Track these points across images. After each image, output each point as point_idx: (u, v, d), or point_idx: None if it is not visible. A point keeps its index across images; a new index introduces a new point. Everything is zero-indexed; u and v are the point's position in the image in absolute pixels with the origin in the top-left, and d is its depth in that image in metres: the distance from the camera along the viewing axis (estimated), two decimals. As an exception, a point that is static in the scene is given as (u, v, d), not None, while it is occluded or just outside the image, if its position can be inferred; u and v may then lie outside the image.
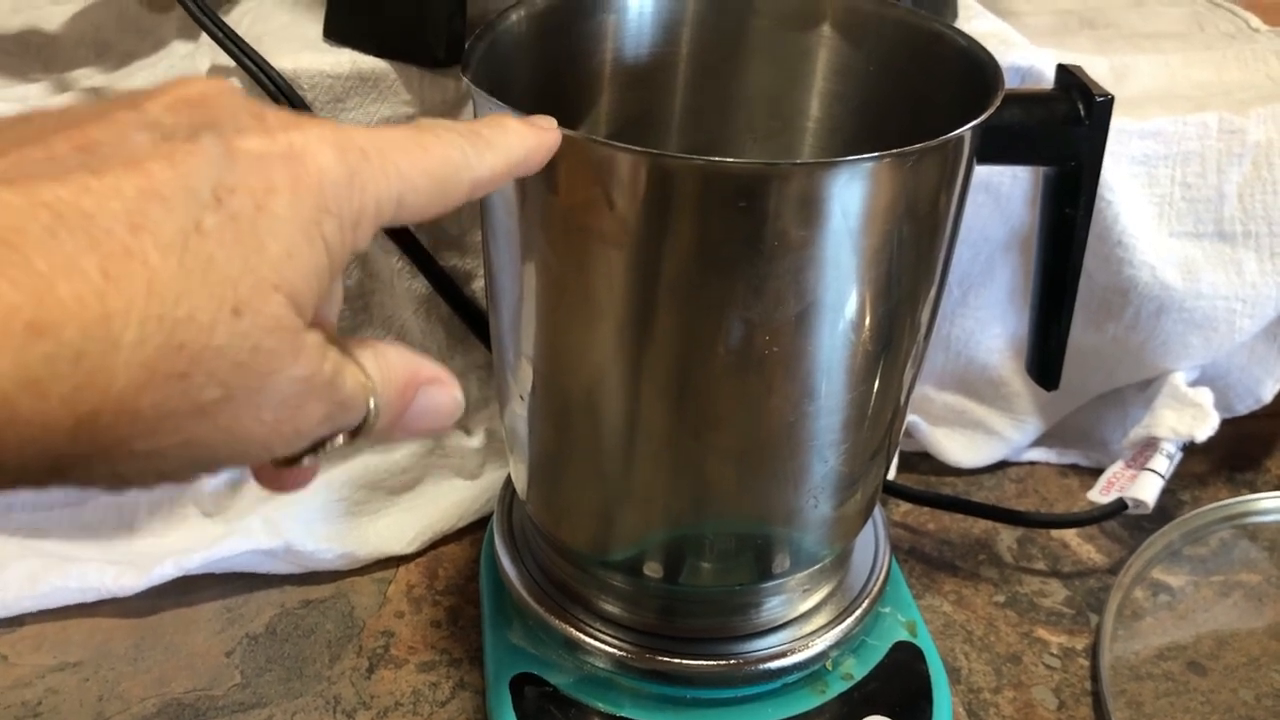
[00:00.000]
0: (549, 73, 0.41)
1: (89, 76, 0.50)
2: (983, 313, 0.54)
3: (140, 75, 0.49)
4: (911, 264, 0.35)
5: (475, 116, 0.35)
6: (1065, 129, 0.39)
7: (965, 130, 0.33)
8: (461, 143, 0.26)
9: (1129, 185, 0.51)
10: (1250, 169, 0.51)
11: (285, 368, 0.21)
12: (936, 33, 0.40)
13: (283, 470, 0.25)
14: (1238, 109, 0.51)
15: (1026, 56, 0.48)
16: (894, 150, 0.31)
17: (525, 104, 0.31)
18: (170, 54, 0.49)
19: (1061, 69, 0.40)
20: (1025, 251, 0.53)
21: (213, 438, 0.20)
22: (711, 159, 0.30)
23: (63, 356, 0.18)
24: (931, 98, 0.40)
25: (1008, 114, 0.35)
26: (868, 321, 0.35)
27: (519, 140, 0.28)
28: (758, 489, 0.38)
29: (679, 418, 0.36)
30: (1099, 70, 0.55)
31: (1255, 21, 0.63)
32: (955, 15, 0.50)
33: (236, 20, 0.46)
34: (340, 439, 0.24)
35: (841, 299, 0.34)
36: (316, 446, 0.24)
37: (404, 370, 0.25)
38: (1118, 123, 0.46)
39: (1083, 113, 0.39)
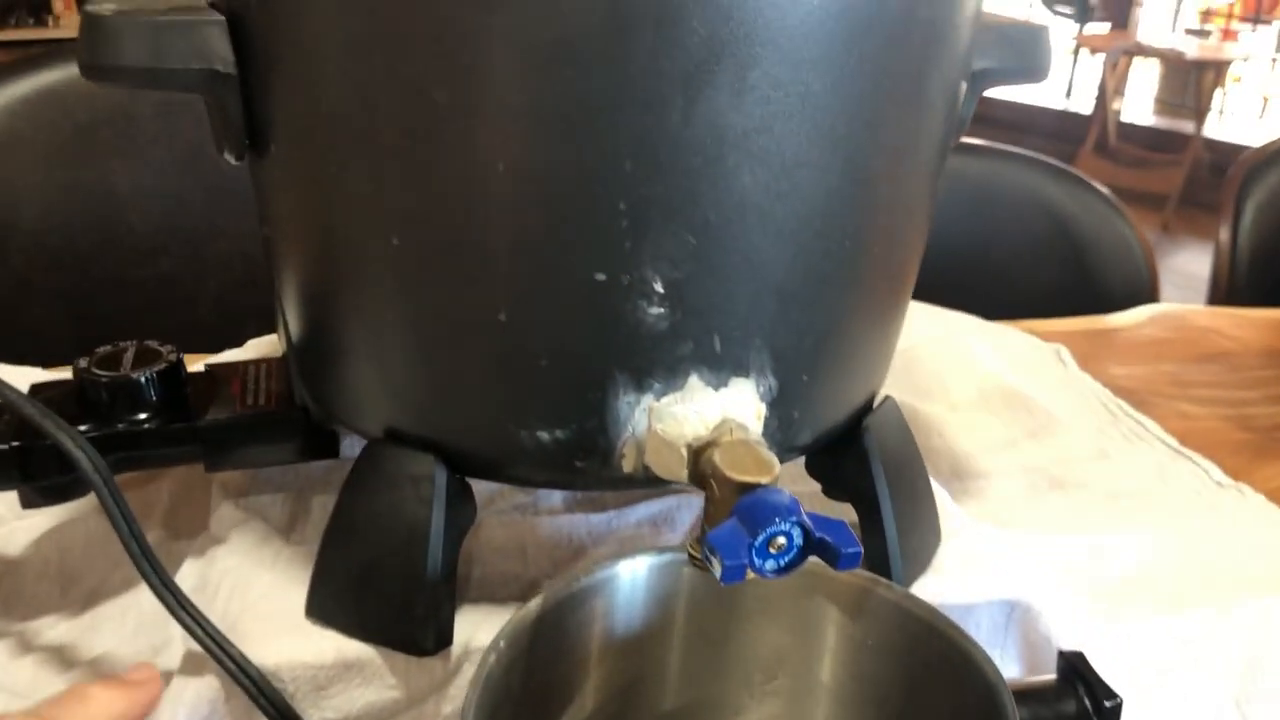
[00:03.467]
0: (539, 666, 0.40)
1: (52, 626, 0.48)
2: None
3: (106, 629, 0.47)
4: None
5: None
6: (1076, 731, 0.38)
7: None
8: None
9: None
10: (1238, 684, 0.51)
11: None
12: (931, 625, 0.39)
13: None
14: (1220, 607, 0.51)
15: (1014, 588, 0.48)
16: None
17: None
18: (138, 604, 0.48)
19: (1063, 659, 0.39)
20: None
21: None
22: None
23: None
24: (928, 681, 0.39)
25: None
26: None
27: (102, 711, 0.29)
28: None
29: None
30: (1078, 553, 0.56)
31: (1217, 473, 0.64)
32: (939, 536, 0.50)
33: (216, 582, 0.45)
34: None
35: None
36: None
37: None
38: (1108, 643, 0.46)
39: (1091, 711, 0.38)
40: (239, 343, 0.67)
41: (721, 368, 0.40)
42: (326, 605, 0.43)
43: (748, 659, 0.44)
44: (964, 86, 0.44)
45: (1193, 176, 4.21)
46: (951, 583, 0.48)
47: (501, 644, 0.37)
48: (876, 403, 0.48)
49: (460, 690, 0.44)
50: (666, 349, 0.39)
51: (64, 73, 0.93)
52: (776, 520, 0.36)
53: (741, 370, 0.40)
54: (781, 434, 0.42)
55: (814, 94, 0.36)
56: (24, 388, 0.45)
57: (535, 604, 0.39)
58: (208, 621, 0.41)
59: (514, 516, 0.50)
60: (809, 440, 0.44)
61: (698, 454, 0.40)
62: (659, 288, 0.38)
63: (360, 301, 0.41)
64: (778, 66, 0.35)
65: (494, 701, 0.36)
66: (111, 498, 0.42)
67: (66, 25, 5.80)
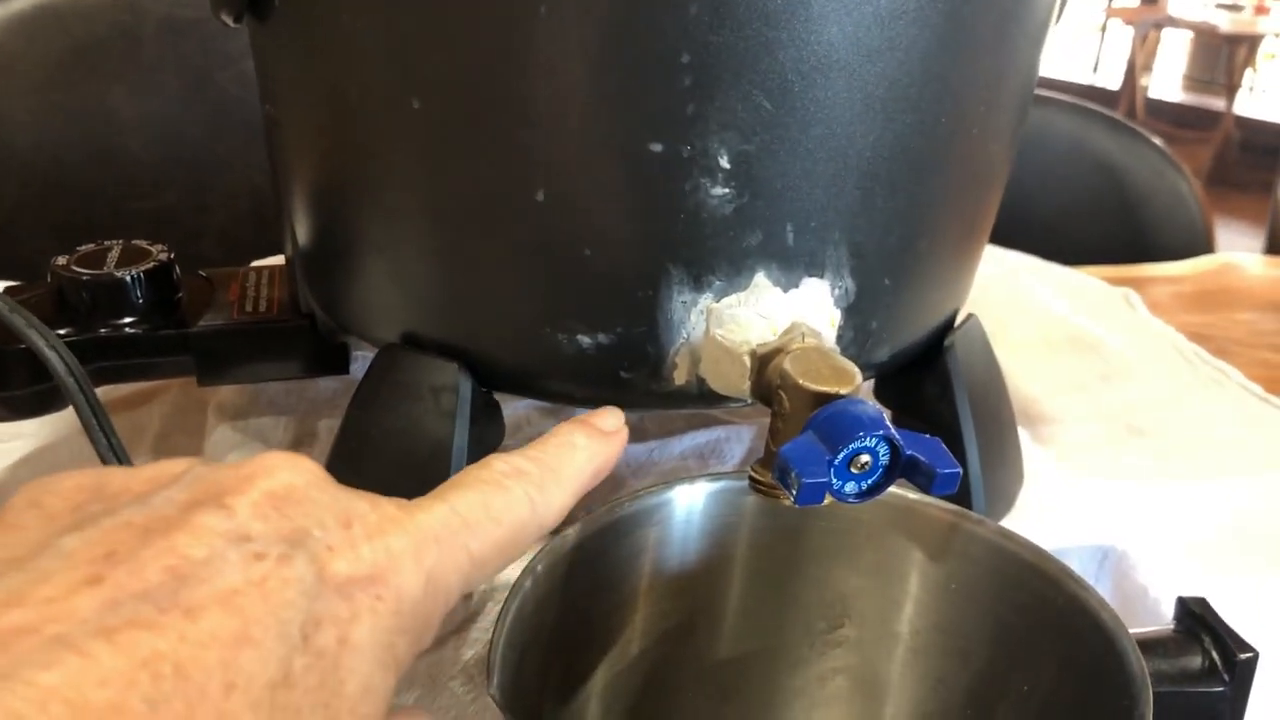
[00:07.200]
0: (577, 602, 0.34)
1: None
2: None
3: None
4: None
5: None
6: (1200, 694, 0.32)
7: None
8: (531, 494, 0.27)
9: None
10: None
11: None
12: (1033, 566, 0.34)
13: None
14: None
15: (1108, 533, 0.43)
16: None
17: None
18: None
19: (1185, 607, 0.34)
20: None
21: None
22: None
23: None
24: (1024, 630, 0.34)
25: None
26: None
27: (588, 462, 0.29)
28: None
29: None
30: (1168, 501, 0.50)
31: (1307, 422, 0.59)
32: (1022, 476, 0.45)
33: None
34: None
35: None
36: None
37: None
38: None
39: (1220, 665, 0.33)
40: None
41: (793, 265, 0.34)
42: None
43: (811, 604, 0.39)
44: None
45: (1222, 154, 4.13)
46: (1038, 525, 0.42)
47: (539, 568, 0.32)
48: (959, 320, 0.42)
49: (482, 634, 0.39)
50: (730, 239, 0.34)
51: (63, -10, 0.87)
52: (861, 435, 0.31)
53: (816, 269, 0.35)
54: (857, 347, 0.37)
55: (917, -73, 0.30)
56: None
57: (574, 530, 0.34)
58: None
59: (543, 445, 0.45)
60: (887, 356, 0.38)
61: (763, 363, 0.34)
62: (725, 163, 0.32)
63: (375, 183, 0.35)
64: (877, -112, 0.29)
65: (524, 640, 0.31)
66: (89, 406, 0.37)
67: None
